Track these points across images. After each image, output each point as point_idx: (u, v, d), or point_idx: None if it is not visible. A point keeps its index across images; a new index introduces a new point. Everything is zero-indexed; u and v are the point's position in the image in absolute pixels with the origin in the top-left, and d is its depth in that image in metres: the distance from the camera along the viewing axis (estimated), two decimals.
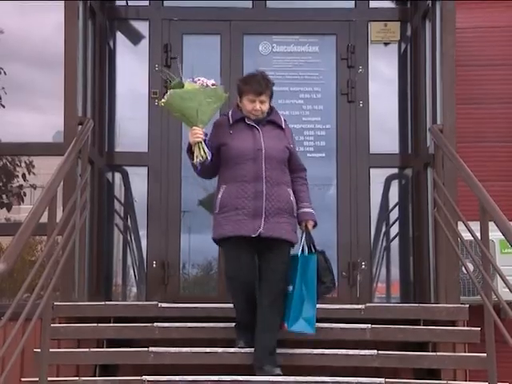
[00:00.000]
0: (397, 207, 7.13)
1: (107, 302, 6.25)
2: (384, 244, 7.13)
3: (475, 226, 5.36)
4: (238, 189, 5.20)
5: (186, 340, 5.54)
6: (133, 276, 7.15)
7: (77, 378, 5.44)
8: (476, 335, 5.50)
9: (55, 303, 5.47)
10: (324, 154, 7.14)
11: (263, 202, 5.17)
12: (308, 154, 7.05)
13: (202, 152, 5.14)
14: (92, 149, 6.49)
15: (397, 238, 7.10)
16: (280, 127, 5.42)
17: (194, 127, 5.19)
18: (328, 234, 6.79)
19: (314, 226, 5.41)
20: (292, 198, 5.31)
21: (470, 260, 5.75)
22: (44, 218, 5.22)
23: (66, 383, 5.35)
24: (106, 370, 5.65)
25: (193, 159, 5.20)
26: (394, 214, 7.13)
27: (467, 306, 5.76)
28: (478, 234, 5.30)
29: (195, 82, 5.20)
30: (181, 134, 6.79)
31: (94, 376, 5.57)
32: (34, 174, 7.15)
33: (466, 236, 5.60)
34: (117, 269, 7.13)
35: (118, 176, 7.21)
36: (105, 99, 7.08)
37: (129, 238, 7.18)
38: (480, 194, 5.35)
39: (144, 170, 7.13)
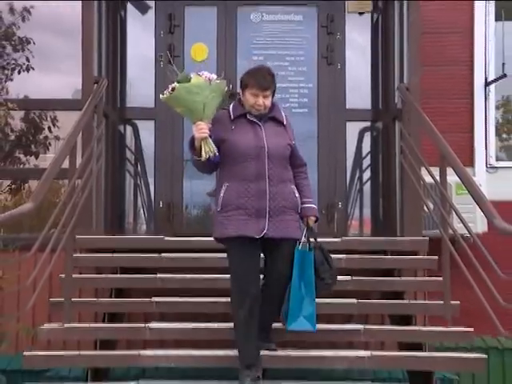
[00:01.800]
0: (369, 155, 7.14)
1: (121, 236, 6.34)
2: (358, 187, 7.17)
3: (436, 171, 5.45)
4: (241, 188, 4.50)
5: (189, 268, 5.58)
6: (142, 214, 7.19)
7: (95, 299, 5.55)
8: (434, 263, 5.55)
9: (77, 236, 5.52)
10: (307, 110, 7.13)
11: (267, 201, 4.49)
12: (293, 110, 7.06)
13: (210, 148, 4.41)
14: (106, 104, 6.50)
15: (369, 182, 7.14)
16: (281, 123, 4.72)
17: (199, 122, 4.41)
18: (310, 179, 6.84)
19: (316, 220, 4.79)
20: (296, 194, 4.66)
21: (431, 200, 5.81)
22: (65, 165, 5.32)
23: (86, 303, 5.46)
24: (121, 293, 5.74)
25: (198, 155, 4.42)
26: (367, 161, 7.15)
27: (427, 238, 5.81)
28: (438, 178, 5.43)
29: (200, 76, 4.45)
30: None
31: (110, 298, 5.67)
32: (57, 127, 7.22)
33: (428, 179, 5.70)
34: (129, 208, 7.17)
35: (129, 128, 7.21)
36: (117, 62, 7.05)
37: (139, 182, 7.20)
38: (440, 143, 5.43)
39: (151, 124, 7.15)
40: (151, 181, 7.16)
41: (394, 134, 6.57)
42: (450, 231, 5.31)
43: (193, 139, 4.44)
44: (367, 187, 7.15)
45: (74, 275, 5.35)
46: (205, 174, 4.78)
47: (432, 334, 5.20)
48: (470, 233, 5.05)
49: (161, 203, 7.04)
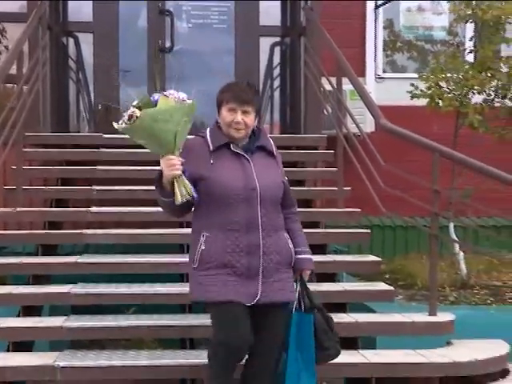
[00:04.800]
0: (278, 67, 6.97)
1: (66, 133, 6.14)
2: (269, 94, 7.01)
3: (333, 80, 5.45)
4: (226, 240, 3.04)
5: (125, 161, 5.45)
6: (84, 116, 6.96)
7: (44, 187, 5.43)
8: (330, 156, 5.62)
9: (25, 134, 5.33)
10: (225, 25, 6.87)
11: (260, 258, 3.05)
12: (214, 26, 6.84)
13: (187, 188, 2.97)
14: (50, 18, 6.14)
15: (278, 90, 6.99)
16: (271, 154, 3.23)
17: (170, 156, 2.95)
18: None
19: (311, 274, 3.32)
20: (290, 244, 3.20)
21: (329, 104, 5.81)
22: (13, 71, 5.08)
23: (36, 190, 5.34)
24: (65, 182, 5.62)
25: (167, 196, 2.98)
26: (276, 72, 6.97)
27: (326, 136, 5.85)
28: (335, 86, 5.43)
29: (167, 97, 2.98)
30: (117, 7, 6.59)
31: (57, 186, 5.57)
32: (6, 38, 6.81)
33: (327, 87, 5.69)
34: (72, 110, 6.86)
35: (71, 40, 6.82)
36: None
37: (80, 87, 6.93)
38: (337, 56, 5.40)
39: (90, 36, 6.78)
40: (91, 87, 6.83)
41: (300, 48, 6.46)
42: (345, 130, 5.36)
43: (160, 176, 3.00)
44: (277, 94, 7.00)
45: (24, 167, 5.21)
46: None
47: (327, 214, 5.30)
48: (360, 131, 5.12)
49: (99, 106, 6.76)
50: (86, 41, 6.81)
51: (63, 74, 6.69)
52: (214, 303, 3.05)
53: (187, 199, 2.96)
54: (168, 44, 6.67)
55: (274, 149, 3.24)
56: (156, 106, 2.96)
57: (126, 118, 2.96)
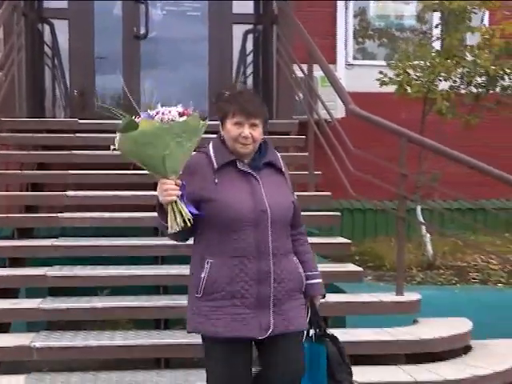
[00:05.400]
0: (251, 54, 6.95)
1: (41, 119, 6.07)
2: (242, 80, 7.01)
3: (305, 67, 5.46)
4: (234, 268, 2.66)
5: (100, 146, 5.35)
6: (60, 102, 6.87)
7: (19, 171, 5.37)
8: (302, 141, 5.62)
9: (1, 119, 5.26)
10: (199, 13, 6.81)
11: (270, 286, 2.68)
12: (188, 13, 6.79)
13: (183, 214, 2.54)
14: (25, 5, 6.04)
15: (251, 76, 6.99)
16: (279, 171, 2.82)
17: (164, 180, 2.54)
18: (202, 77, 6.70)
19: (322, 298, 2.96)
20: (300, 269, 2.82)
21: (301, 90, 5.82)
22: None
23: (12, 174, 5.30)
24: (42, 166, 5.57)
25: (166, 224, 2.57)
26: (250, 59, 6.96)
27: (297, 121, 5.86)
28: (307, 73, 5.44)
29: (152, 118, 2.51)
30: None
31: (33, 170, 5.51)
32: None
33: (299, 74, 5.70)
34: (48, 96, 6.79)
35: (46, 27, 6.72)
36: None
37: (56, 73, 6.84)
38: (308, 43, 5.41)
39: (65, 23, 6.69)
40: (67, 73, 6.73)
41: (272, 36, 6.44)
42: (316, 116, 5.37)
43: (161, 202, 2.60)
44: (250, 80, 7.00)
45: (0, 151, 5.14)
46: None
47: (299, 198, 5.20)
48: (331, 117, 5.14)
49: (75, 92, 6.68)
50: (62, 27, 6.71)
51: (39, 60, 6.60)
52: (220, 339, 2.66)
53: (181, 228, 2.55)
54: (143, 31, 6.61)
55: (283, 164, 2.85)
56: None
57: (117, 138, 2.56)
